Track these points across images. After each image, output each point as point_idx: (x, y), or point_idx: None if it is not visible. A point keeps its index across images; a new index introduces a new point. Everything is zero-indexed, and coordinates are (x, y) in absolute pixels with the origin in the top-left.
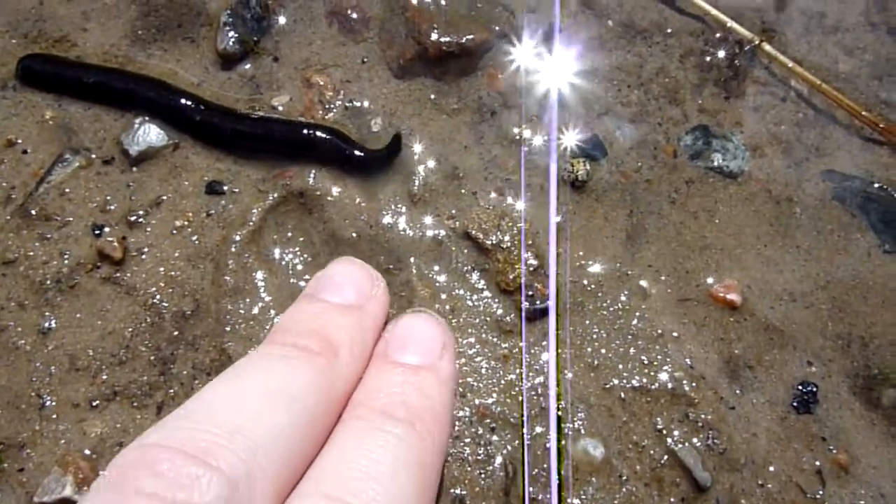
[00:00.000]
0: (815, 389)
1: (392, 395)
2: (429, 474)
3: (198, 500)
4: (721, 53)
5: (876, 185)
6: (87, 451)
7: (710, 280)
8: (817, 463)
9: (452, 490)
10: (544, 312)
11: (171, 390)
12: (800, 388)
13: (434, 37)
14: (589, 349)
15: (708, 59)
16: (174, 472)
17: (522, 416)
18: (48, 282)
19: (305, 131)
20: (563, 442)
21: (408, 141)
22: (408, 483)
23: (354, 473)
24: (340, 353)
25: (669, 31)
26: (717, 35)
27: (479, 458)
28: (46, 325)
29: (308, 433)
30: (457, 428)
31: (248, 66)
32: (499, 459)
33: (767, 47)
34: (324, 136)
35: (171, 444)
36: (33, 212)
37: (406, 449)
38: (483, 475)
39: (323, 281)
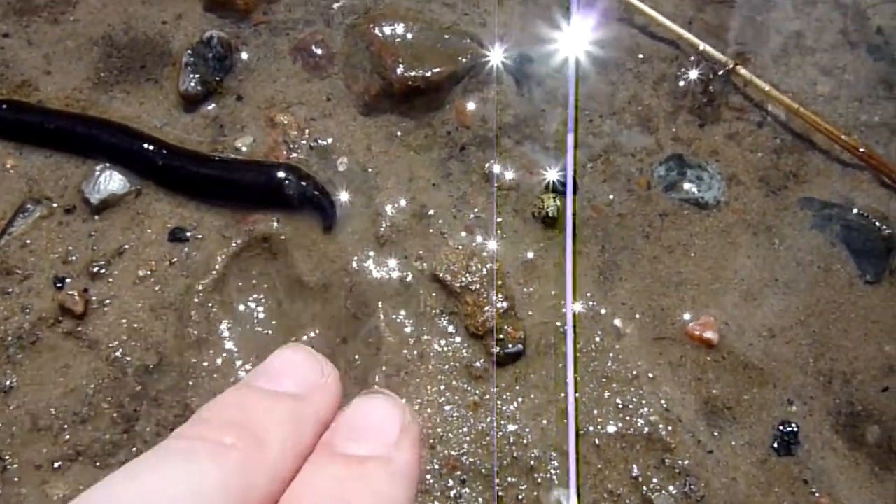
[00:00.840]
0: (796, 429)
1: (327, 495)
2: None
3: None
4: (695, 77)
5: (856, 212)
6: None
7: (686, 317)
8: None
9: None
10: (516, 357)
11: (135, 449)
12: (780, 428)
13: (399, 71)
14: (562, 394)
15: (682, 84)
16: None
17: (493, 466)
18: (9, 338)
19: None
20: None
21: (374, 180)
22: None
23: None
24: (266, 446)
25: (641, 56)
26: (691, 59)
27: None
28: (8, 383)
29: None
30: (427, 482)
31: (211, 107)
32: None
33: (743, 71)
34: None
35: None
36: None
37: None
38: None
39: (261, 369)
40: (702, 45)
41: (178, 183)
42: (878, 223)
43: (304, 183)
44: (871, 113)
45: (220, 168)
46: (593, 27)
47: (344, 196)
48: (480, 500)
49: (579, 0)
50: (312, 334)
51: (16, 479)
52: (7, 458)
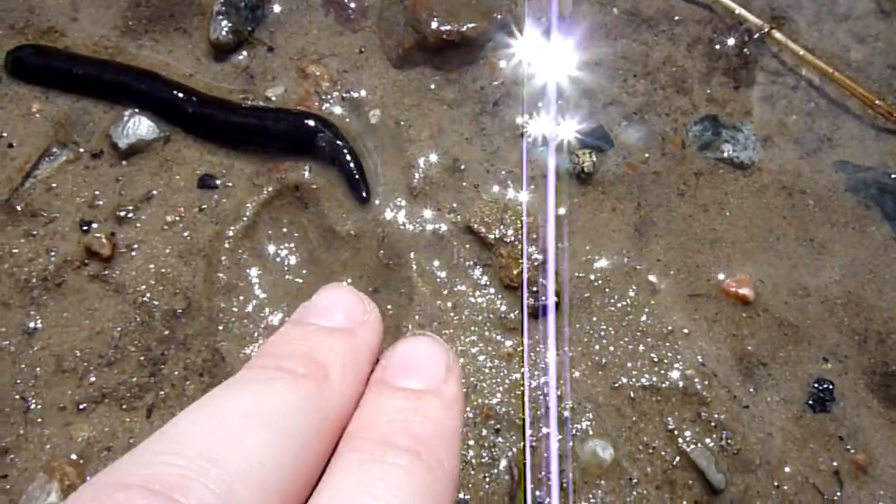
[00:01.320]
0: (831, 387)
1: (393, 422)
2: None
3: None
4: (730, 42)
5: (891, 176)
6: (74, 456)
7: (721, 275)
8: (835, 463)
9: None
10: (547, 310)
11: (162, 392)
12: (815, 385)
13: (434, 25)
14: (596, 347)
15: (716, 47)
16: None
17: (524, 416)
18: (34, 280)
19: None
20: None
21: (406, 133)
22: None
23: None
24: (331, 376)
25: (676, 18)
26: (726, 23)
27: (483, 461)
28: (32, 325)
29: (296, 462)
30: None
31: (241, 57)
32: (503, 462)
33: (778, 35)
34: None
35: (132, 480)
36: (19, 207)
37: (414, 482)
38: (487, 479)
39: (309, 307)
40: (738, 9)
41: (209, 130)
42: None
43: (337, 144)
44: None
45: (252, 116)
46: None
47: (374, 162)
48: (514, 449)
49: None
50: (344, 283)
51: (39, 420)
52: (30, 398)
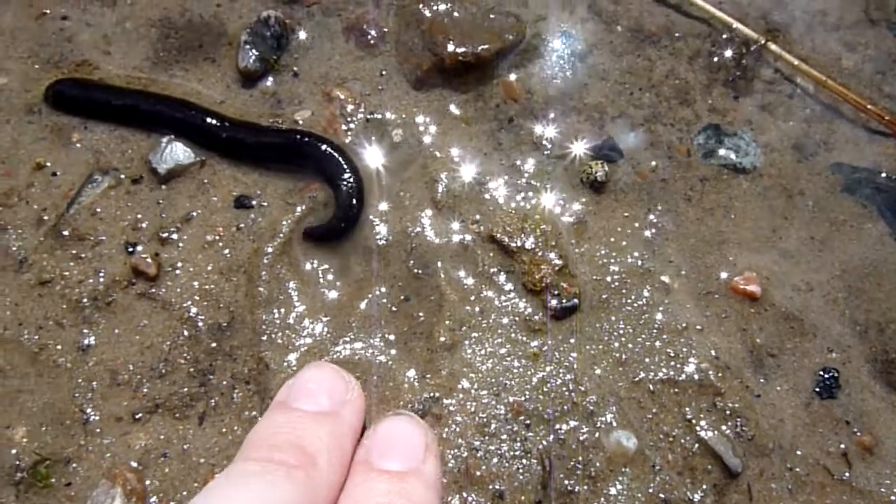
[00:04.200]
0: (836, 375)
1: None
2: None
3: None
4: (728, 54)
5: (884, 176)
6: (134, 463)
7: (729, 273)
8: (843, 446)
9: (491, 486)
10: (571, 311)
11: (213, 401)
12: (822, 373)
13: (450, 48)
14: (616, 344)
15: (716, 60)
16: None
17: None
18: (85, 300)
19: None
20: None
21: (428, 150)
22: None
23: None
24: (318, 463)
25: (677, 34)
26: (724, 36)
27: (515, 453)
28: (85, 342)
29: None
30: (493, 426)
31: (269, 83)
32: (535, 454)
33: (773, 46)
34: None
35: None
36: (66, 232)
37: None
38: (521, 470)
39: (295, 389)
40: (734, 23)
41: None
42: None
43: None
44: (894, 84)
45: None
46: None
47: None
48: (544, 442)
49: None
50: (377, 292)
51: (98, 430)
52: (89, 411)
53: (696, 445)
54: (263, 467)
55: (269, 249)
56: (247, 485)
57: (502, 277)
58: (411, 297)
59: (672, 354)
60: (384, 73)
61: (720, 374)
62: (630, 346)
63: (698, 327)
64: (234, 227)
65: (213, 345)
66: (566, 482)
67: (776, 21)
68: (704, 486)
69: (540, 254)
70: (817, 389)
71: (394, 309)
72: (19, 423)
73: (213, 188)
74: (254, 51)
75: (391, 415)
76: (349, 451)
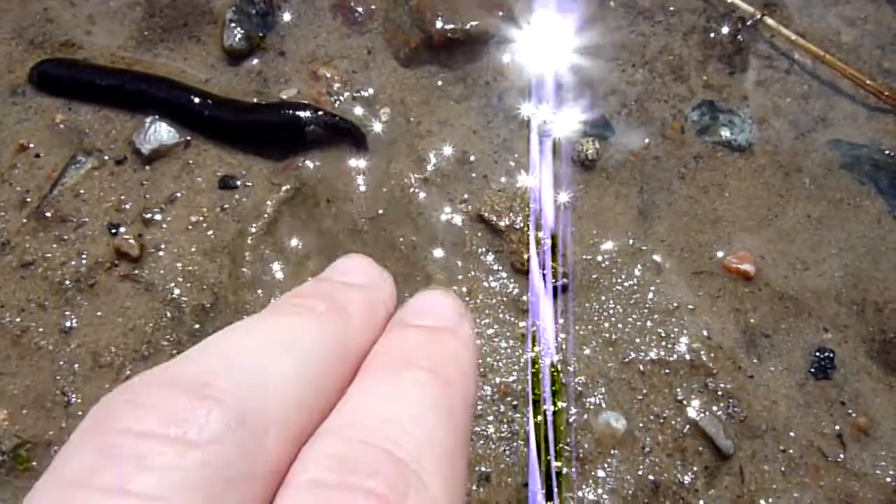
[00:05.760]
0: (831, 355)
1: (412, 348)
2: (458, 418)
3: (195, 436)
4: (724, 29)
5: (884, 152)
6: None
7: (723, 252)
8: (837, 427)
9: (477, 468)
10: (562, 290)
11: None
12: (817, 354)
13: (439, 24)
14: (606, 324)
15: (711, 35)
16: (165, 407)
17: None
18: (67, 282)
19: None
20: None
21: (416, 129)
22: (436, 426)
23: (375, 419)
24: (351, 315)
25: (672, 9)
26: (719, 11)
27: (502, 435)
28: (67, 324)
29: (322, 384)
30: (479, 407)
31: (254, 62)
32: (522, 436)
33: (770, 21)
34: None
35: (162, 380)
36: (48, 214)
37: (431, 394)
38: (507, 452)
39: (331, 268)
40: None
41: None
42: None
43: (319, 113)
44: (893, 60)
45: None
46: None
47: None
48: (531, 423)
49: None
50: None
51: (79, 413)
52: (71, 393)
53: (687, 427)
54: (296, 309)
55: (253, 229)
56: (277, 320)
57: (490, 257)
58: (398, 277)
59: (663, 334)
60: (371, 50)
61: (712, 355)
62: (620, 326)
63: (690, 307)
64: (219, 207)
65: (197, 326)
66: (555, 464)
67: None
68: (695, 468)
69: (528, 233)
70: (812, 370)
71: None
72: (0, 407)
73: (198, 168)
74: (239, 29)
75: (424, 289)
76: (381, 319)
